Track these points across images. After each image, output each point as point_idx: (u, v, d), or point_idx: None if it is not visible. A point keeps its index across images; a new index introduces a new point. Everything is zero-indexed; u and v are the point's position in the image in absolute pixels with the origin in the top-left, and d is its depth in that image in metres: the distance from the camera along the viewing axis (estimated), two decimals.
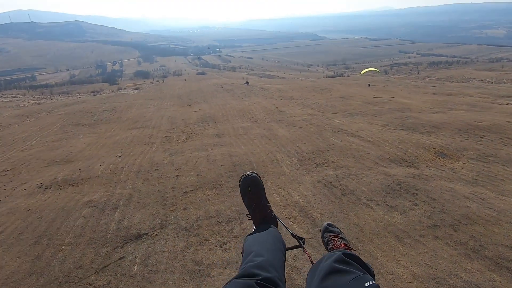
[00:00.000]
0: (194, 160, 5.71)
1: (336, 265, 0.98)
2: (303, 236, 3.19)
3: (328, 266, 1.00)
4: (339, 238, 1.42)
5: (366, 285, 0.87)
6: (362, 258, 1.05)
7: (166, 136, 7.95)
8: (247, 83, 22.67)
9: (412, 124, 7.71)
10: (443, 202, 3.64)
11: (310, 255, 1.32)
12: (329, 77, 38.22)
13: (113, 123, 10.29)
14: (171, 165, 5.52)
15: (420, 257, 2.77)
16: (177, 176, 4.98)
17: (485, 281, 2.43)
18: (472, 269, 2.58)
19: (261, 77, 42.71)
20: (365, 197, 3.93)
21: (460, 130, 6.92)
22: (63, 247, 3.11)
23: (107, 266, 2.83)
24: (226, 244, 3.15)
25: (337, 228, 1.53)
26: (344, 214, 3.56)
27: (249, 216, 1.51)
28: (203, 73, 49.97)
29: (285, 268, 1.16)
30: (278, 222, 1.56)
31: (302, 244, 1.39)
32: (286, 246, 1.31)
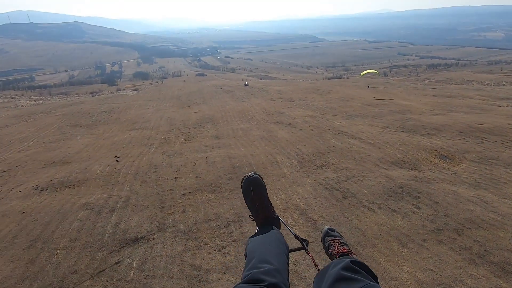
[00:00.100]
0: (193, 161, 5.64)
1: (344, 272, 0.98)
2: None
3: (335, 273, 0.99)
4: (340, 243, 1.41)
5: None
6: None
7: (164, 137, 7.88)
8: (247, 85, 22.64)
9: (413, 126, 7.66)
10: (446, 206, 3.57)
11: (313, 257, 1.31)
12: (328, 79, 38.24)
13: (112, 124, 10.21)
14: (169, 167, 5.44)
15: (424, 262, 2.71)
16: (175, 178, 4.91)
17: (491, 287, 2.36)
18: (478, 275, 2.51)
19: (261, 79, 42.70)
20: (366, 200, 3.86)
21: (461, 132, 6.88)
22: (58, 251, 3.03)
23: (103, 271, 2.76)
24: (225, 248, 3.08)
25: (338, 232, 1.52)
26: (345, 217, 3.50)
27: (251, 217, 1.50)
28: (202, 74, 49.95)
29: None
30: (281, 223, 1.54)
31: (305, 246, 1.37)
32: (289, 248, 1.30)
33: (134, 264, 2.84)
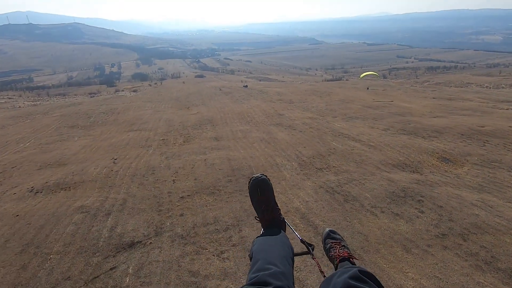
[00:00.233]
0: (192, 164, 5.55)
1: (352, 282, 0.96)
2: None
3: (343, 282, 0.98)
4: (341, 246, 1.40)
5: None
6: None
7: (163, 139, 7.79)
8: (246, 86, 22.58)
9: (414, 128, 7.60)
10: (450, 210, 3.50)
11: (319, 262, 1.31)
12: (327, 81, 38.26)
13: (110, 125, 10.11)
14: (167, 169, 5.35)
15: (429, 269, 2.63)
16: (173, 180, 4.82)
17: None
18: (485, 283, 2.43)
19: (260, 80, 42.70)
20: (368, 204, 3.78)
21: (462, 135, 6.81)
22: (51, 256, 2.93)
23: (98, 277, 2.66)
24: (224, 253, 2.99)
25: (339, 235, 1.51)
26: (347, 221, 3.41)
27: (257, 218, 1.49)
28: (201, 76, 49.91)
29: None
30: (287, 226, 1.53)
31: (311, 250, 1.36)
32: (294, 252, 1.29)
33: (130, 270, 2.74)
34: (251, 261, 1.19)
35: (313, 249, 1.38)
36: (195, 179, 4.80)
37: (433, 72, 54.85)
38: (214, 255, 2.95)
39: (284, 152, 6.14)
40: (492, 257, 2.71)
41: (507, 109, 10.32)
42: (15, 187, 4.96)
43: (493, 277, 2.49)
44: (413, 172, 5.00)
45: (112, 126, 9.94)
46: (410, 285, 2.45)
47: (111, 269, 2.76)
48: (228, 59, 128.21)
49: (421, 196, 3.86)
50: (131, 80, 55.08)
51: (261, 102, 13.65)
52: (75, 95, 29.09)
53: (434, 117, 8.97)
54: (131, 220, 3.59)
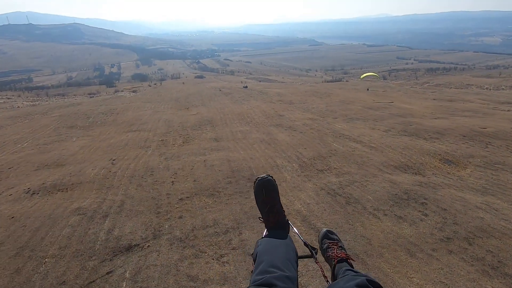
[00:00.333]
0: (191, 165, 5.47)
1: None
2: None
3: None
4: (339, 247, 1.39)
5: None
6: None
7: (162, 139, 7.71)
8: (246, 87, 22.52)
9: (415, 129, 7.53)
10: (454, 213, 3.43)
11: (322, 267, 1.28)
12: (327, 82, 38.23)
13: (108, 126, 10.03)
14: (166, 170, 5.28)
15: (434, 274, 2.56)
16: (172, 182, 4.74)
17: None
18: None
19: (260, 81, 42.65)
20: (371, 206, 3.71)
21: (464, 136, 6.75)
22: (46, 259, 2.86)
23: (93, 281, 2.58)
24: (224, 257, 2.92)
25: (336, 235, 1.50)
26: (350, 224, 3.34)
27: (261, 219, 1.49)
28: (201, 77, 49.87)
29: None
30: (291, 228, 1.52)
31: (314, 254, 1.35)
32: (298, 255, 1.28)
33: (127, 274, 2.67)
34: (254, 261, 1.19)
35: (316, 253, 1.37)
36: (195, 181, 4.73)
37: (433, 73, 54.87)
38: (213, 259, 2.88)
39: (285, 153, 6.07)
40: (499, 262, 2.65)
41: (508, 110, 10.27)
42: (11, 188, 4.88)
43: (500, 282, 2.42)
44: (416, 174, 4.94)
45: (111, 127, 9.87)
46: None
47: (107, 273, 2.69)
48: (228, 60, 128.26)
49: (424, 199, 3.79)
50: (131, 80, 55.00)
51: (261, 103, 13.59)
52: (74, 95, 29.02)
53: (435, 119, 8.91)
54: (128, 222, 3.52)
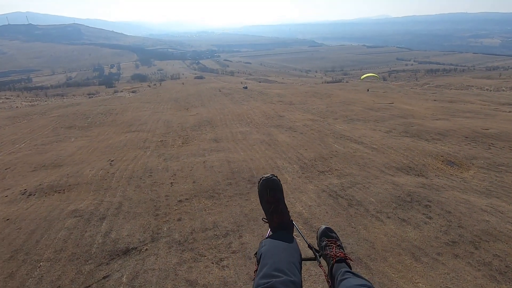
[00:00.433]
0: (190, 166, 5.40)
1: None
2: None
3: None
4: (337, 246, 1.38)
5: None
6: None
7: (161, 140, 7.64)
8: (246, 88, 22.46)
9: (417, 130, 7.47)
10: (459, 216, 3.36)
11: (325, 271, 1.28)
12: (327, 82, 38.20)
13: (107, 126, 9.96)
14: (165, 171, 5.20)
15: (440, 279, 2.48)
16: (171, 183, 4.66)
17: None
18: None
19: (260, 82, 42.59)
20: (374, 209, 3.64)
21: (467, 137, 6.69)
22: (41, 263, 2.78)
23: (89, 286, 2.51)
24: (223, 260, 2.84)
25: (335, 233, 1.49)
26: (352, 227, 3.27)
27: (265, 220, 1.46)
28: (201, 77, 49.81)
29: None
30: (294, 229, 1.50)
31: (318, 258, 1.34)
32: (302, 257, 1.27)
33: (124, 279, 2.59)
34: (258, 263, 1.19)
35: (320, 256, 1.35)
36: (194, 182, 4.66)
37: (433, 74, 54.88)
38: (213, 263, 2.81)
39: (285, 154, 6.00)
40: (506, 266, 2.57)
41: (509, 111, 10.22)
42: (8, 189, 4.80)
43: None
44: (418, 175, 4.87)
45: (109, 127, 9.79)
46: None
47: (104, 277, 2.61)
48: (228, 60, 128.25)
49: (428, 201, 3.72)
50: (130, 81, 54.90)
51: (261, 103, 13.52)
52: (73, 95, 28.93)
53: (437, 120, 8.85)
54: (126, 225, 3.44)
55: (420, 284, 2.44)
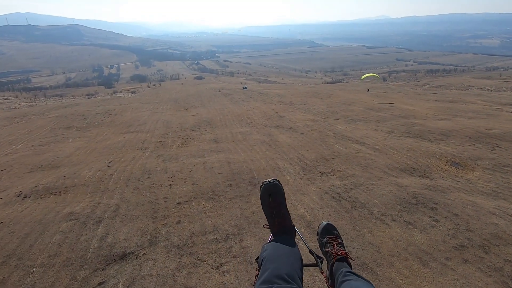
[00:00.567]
0: (190, 167, 5.29)
1: None
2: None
3: None
4: (338, 243, 1.37)
5: None
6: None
7: (160, 141, 7.53)
8: (246, 88, 22.37)
9: (419, 131, 7.37)
10: (467, 218, 3.26)
11: (327, 277, 1.25)
12: (327, 83, 38.12)
13: (106, 127, 9.85)
14: (164, 172, 5.10)
15: (450, 286, 2.38)
16: (170, 185, 4.56)
17: None
18: None
19: (260, 82, 42.52)
20: (378, 211, 3.54)
21: (470, 138, 6.59)
22: (34, 269, 2.67)
23: None
24: (224, 265, 2.74)
25: (336, 230, 1.48)
26: (357, 231, 3.17)
27: (266, 226, 1.46)
28: (200, 78, 49.72)
29: None
30: (296, 234, 1.49)
31: (319, 264, 1.32)
32: (304, 263, 1.26)
33: (120, 286, 2.48)
34: (259, 267, 1.18)
35: (322, 262, 1.32)
36: (193, 184, 4.55)
37: (433, 75, 54.84)
38: (213, 268, 2.70)
39: (286, 155, 5.90)
40: None
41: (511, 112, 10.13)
42: (3, 191, 4.69)
43: None
44: (422, 176, 4.77)
45: (108, 128, 9.69)
46: None
47: (99, 284, 2.51)
48: (228, 61, 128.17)
49: (434, 203, 3.62)
50: (130, 81, 54.76)
51: (261, 104, 13.42)
52: (72, 96, 28.82)
53: (439, 120, 8.75)
54: (123, 228, 3.33)
55: None
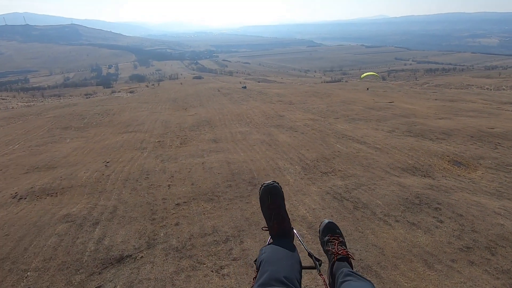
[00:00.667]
0: (189, 167, 5.21)
1: None
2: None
3: None
4: (340, 242, 1.36)
5: None
6: None
7: (159, 141, 7.45)
8: (245, 87, 22.28)
9: (420, 130, 7.31)
10: (471, 219, 3.19)
11: (326, 279, 1.24)
12: (327, 82, 38.07)
13: (104, 127, 9.76)
14: (162, 172, 5.02)
15: None
16: (169, 185, 4.48)
17: None
18: None
19: (259, 82, 42.44)
20: (381, 212, 3.47)
21: (472, 137, 6.53)
22: (28, 273, 2.59)
23: None
24: (224, 268, 2.67)
25: (339, 229, 1.46)
26: (360, 232, 3.10)
27: (265, 228, 1.44)
28: (199, 77, 49.60)
29: None
30: (295, 237, 1.47)
31: (318, 267, 1.29)
32: (302, 265, 1.24)
33: None
34: (257, 269, 1.18)
35: (320, 265, 1.30)
36: (192, 184, 4.47)
37: (432, 74, 54.85)
38: (212, 271, 2.63)
39: (286, 155, 5.83)
40: None
41: None
42: None
43: None
44: (424, 176, 4.71)
45: (106, 128, 9.59)
46: None
47: None
48: (227, 60, 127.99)
49: (437, 204, 3.55)
50: (128, 81, 54.59)
51: (261, 103, 13.34)
52: (70, 96, 28.68)
53: (440, 119, 8.70)
54: (121, 230, 3.25)
55: None
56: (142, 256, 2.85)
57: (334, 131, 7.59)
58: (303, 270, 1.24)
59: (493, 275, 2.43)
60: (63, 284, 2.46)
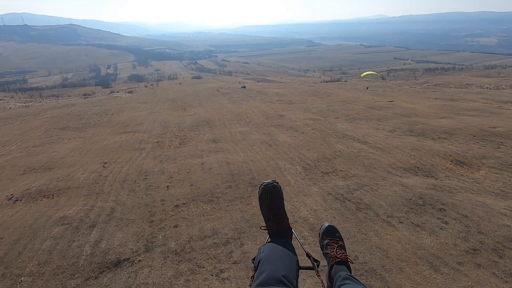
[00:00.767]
0: (188, 168, 5.14)
1: None
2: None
3: None
4: (339, 246, 1.36)
5: None
6: None
7: (157, 141, 7.37)
8: (244, 87, 22.19)
9: (421, 129, 7.25)
10: (477, 220, 3.12)
11: (324, 282, 1.24)
12: (326, 82, 38.01)
13: (102, 127, 9.67)
14: (161, 173, 4.94)
15: None
16: (167, 186, 4.40)
17: None
18: None
19: (258, 81, 42.34)
20: (384, 213, 3.40)
21: (474, 136, 6.47)
22: (22, 278, 2.51)
23: None
24: (224, 272, 2.60)
25: (338, 233, 1.45)
26: (363, 234, 3.03)
27: (263, 228, 1.44)
28: (198, 77, 49.48)
29: None
30: (294, 237, 1.47)
31: (316, 267, 1.29)
32: (300, 266, 1.25)
33: None
34: (255, 269, 1.18)
35: (318, 266, 1.30)
36: (191, 185, 4.40)
37: (431, 73, 54.82)
38: (212, 275, 2.56)
39: (287, 155, 5.75)
40: None
41: None
42: None
43: None
44: (427, 176, 4.64)
45: (104, 128, 9.50)
46: None
47: None
48: (226, 60, 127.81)
49: (442, 204, 3.48)
50: (127, 81, 54.38)
51: (260, 103, 13.27)
52: (68, 96, 28.54)
53: (441, 118, 8.63)
54: (118, 233, 3.18)
55: None
56: (140, 259, 2.77)
57: (334, 131, 7.51)
58: (303, 272, 1.21)
59: (502, 278, 2.37)
60: None
